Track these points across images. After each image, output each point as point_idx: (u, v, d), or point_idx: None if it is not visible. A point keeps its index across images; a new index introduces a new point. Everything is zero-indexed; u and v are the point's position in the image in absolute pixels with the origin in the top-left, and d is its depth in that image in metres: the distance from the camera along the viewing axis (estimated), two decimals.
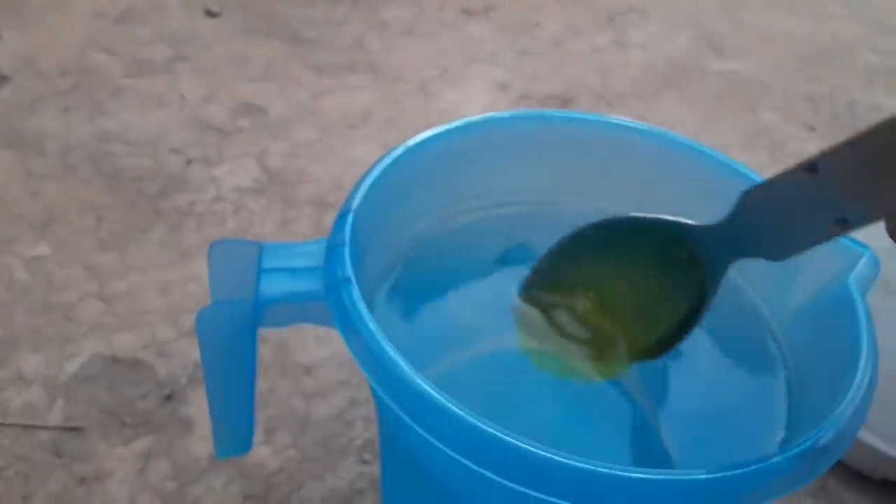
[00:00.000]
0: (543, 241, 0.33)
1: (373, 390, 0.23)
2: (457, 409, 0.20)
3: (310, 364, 0.47)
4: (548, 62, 0.80)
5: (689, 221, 0.25)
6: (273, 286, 0.25)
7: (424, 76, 0.76)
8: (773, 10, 0.96)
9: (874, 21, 0.95)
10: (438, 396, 0.20)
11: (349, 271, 0.24)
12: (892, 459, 0.42)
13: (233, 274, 0.26)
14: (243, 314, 0.25)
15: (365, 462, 0.42)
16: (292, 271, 0.25)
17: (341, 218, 0.26)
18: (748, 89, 0.80)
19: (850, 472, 0.44)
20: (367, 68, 0.76)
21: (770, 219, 0.21)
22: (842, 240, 0.26)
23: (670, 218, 0.25)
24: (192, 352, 0.47)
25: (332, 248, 0.25)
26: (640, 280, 0.26)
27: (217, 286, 0.26)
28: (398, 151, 0.29)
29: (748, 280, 0.31)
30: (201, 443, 0.42)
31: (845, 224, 0.20)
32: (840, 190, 0.19)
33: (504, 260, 0.33)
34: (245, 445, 0.31)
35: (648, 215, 0.25)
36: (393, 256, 0.31)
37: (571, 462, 0.19)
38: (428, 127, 0.30)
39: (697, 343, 0.30)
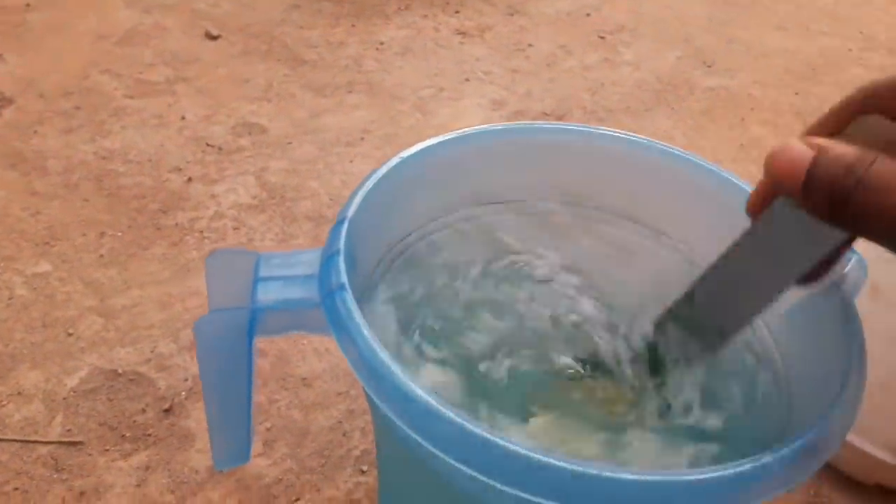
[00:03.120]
0: (534, 248, 0.33)
1: (367, 395, 0.24)
2: (450, 413, 0.20)
3: (308, 376, 0.47)
4: (541, 80, 0.82)
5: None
6: (269, 294, 0.25)
7: (420, 95, 0.77)
8: (761, 27, 0.98)
9: (860, 36, 0.97)
10: (432, 401, 0.20)
11: (343, 278, 0.24)
12: (885, 464, 0.42)
13: (230, 283, 0.26)
14: (240, 322, 0.25)
15: (362, 472, 0.42)
16: (288, 279, 0.26)
17: (336, 227, 0.26)
18: (737, 104, 0.81)
19: (844, 478, 0.45)
20: (364, 87, 0.78)
21: (683, 335, 0.27)
22: None
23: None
24: (192, 366, 0.47)
25: (328, 257, 0.25)
26: None
27: (215, 295, 0.27)
28: (393, 162, 0.30)
29: None
30: (200, 456, 0.42)
31: (724, 335, 0.25)
32: (712, 312, 0.25)
33: (490, 273, 0.33)
34: (243, 456, 0.31)
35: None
36: (388, 261, 0.31)
37: (563, 464, 0.19)
38: None
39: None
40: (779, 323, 0.30)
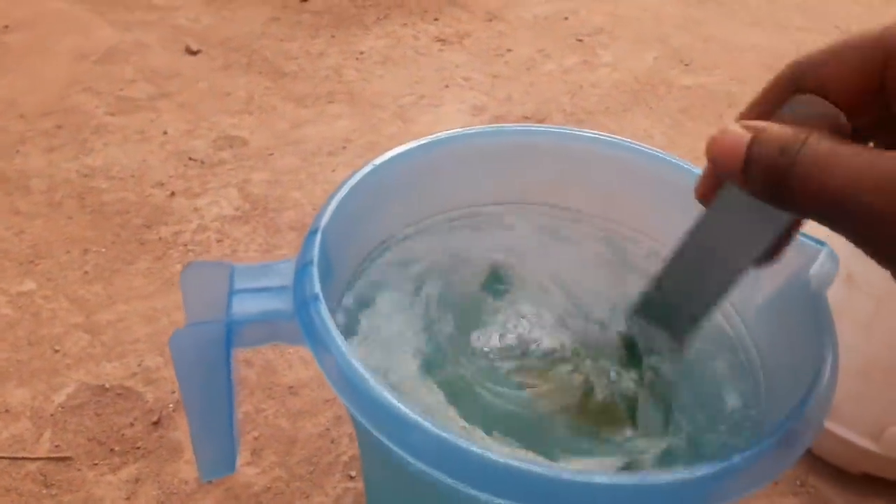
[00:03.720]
0: (514, 258, 0.34)
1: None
2: (423, 422, 0.20)
3: (295, 384, 0.48)
4: (520, 85, 0.83)
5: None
6: (244, 306, 0.26)
7: (401, 103, 0.78)
8: (735, 24, 0.99)
9: (835, 30, 0.99)
10: (405, 410, 0.21)
11: (317, 289, 0.25)
12: (869, 452, 0.42)
13: (206, 296, 0.26)
14: (216, 335, 0.26)
15: (351, 478, 0.43)
16: (263, 291, 0.26)
17: (310, 237, 0.27)
18: (715, 101, 0.82)
19: (830, 468, 0.45)
20: (345, 97, 0.79)
21: (653, 326, 0.27)
22: (800, 237, 0.27)
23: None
24: None
25: (301, 267, 0.26)
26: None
27: (191, 308, 0.27)
28: (365, 170, 0.30)
29: None
30: (189, 467, 0.43)
31: (694, 319, 0.25)
32: (680, 297, 0.25)
33: (484, 287, 0.33)
34: (228, 466, 0.31)
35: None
36: (363, 268, 0.32)
37: (536, 469, 0.20)
38: None
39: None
40: (753, 318, 0.30)
